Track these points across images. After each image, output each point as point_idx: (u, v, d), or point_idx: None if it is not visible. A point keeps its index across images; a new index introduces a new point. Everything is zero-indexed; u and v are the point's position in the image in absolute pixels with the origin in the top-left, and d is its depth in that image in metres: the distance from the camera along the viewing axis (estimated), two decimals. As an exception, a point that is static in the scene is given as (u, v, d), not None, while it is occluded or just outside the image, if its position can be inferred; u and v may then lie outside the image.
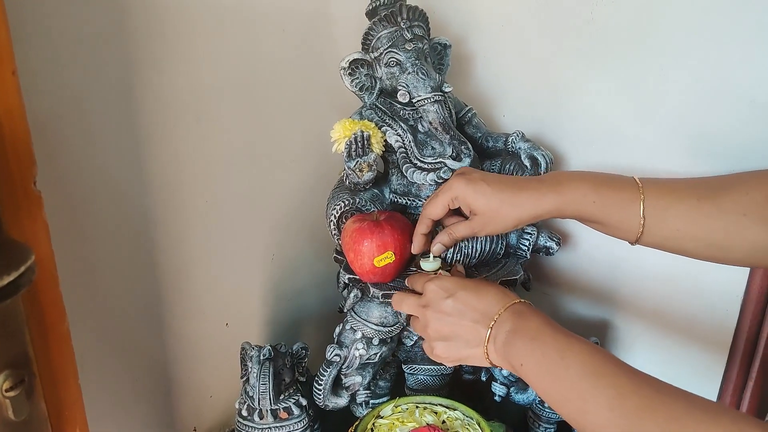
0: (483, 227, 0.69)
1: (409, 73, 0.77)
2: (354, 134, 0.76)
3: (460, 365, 0.94)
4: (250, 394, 0.79)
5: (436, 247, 0.73)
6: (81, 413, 0.49)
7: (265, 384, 0.77)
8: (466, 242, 0.80)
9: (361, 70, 0.80)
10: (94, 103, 0.65)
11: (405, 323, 0.80)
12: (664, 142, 0.81)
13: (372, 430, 0.74)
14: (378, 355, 0.80)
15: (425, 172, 0.79)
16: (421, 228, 0.73)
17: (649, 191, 0.63)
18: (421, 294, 0.68)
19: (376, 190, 0.83)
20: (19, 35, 0.42)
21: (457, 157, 0.78)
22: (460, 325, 0.63)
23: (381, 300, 0.77)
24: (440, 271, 0.74)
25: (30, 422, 0.42)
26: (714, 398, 0.84)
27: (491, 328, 0.60)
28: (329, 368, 0.80)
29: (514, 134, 0.83)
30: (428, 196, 0.81)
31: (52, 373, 0.45)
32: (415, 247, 0.74)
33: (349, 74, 0.80)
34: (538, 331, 0.57)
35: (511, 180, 0.69)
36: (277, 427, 0.79)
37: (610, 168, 0.87)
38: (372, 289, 0.77)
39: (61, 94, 0.62)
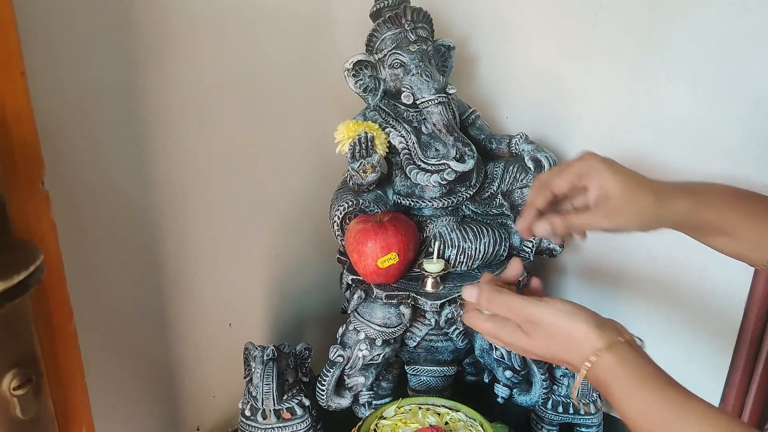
0: (611, 216, 0.56)
1: (413, 74, 0.77)
2: (358, 135, 0.76)
3: (462, 368, 0.95)
4: (254, 394, 0.79)
5: (542, 227, 0.60)
6: (87, 412, 0.49)
7: (268, 384, 0.77)
8: (469, 244, 0.81)
9: (365, 71, 0.80)
10: (99, 104, 0.65)
11: (408, 324, 0.80)
12: (667, 143, 0.81)
13: (375, 430, 0.74)
14: (381, 355, 0.80)
15: (429, 174, 0.79)
16: (539, 200, 0.60)
17: None
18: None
19: (379, 191, 0.83)
20: (26, 37, 0.42)
21: (460, 159, 0.78)
22: (553, 360, 0.57)
23: (384, 301, 0.78)
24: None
25: (37, 421, 0.42)
26: (718, 398, 0.84)
27: (585, 376, 0.53)
28: (332, 369, 0.80)
29: (518, 136, 0.83)
30: (432, 198, 0.82)
31: (58, 372, 0.46)
32: (523, 224, 0.61)
33: (353, 75, 0.80)
34: (634, 398, 0.50)
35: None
36: (280, 427, 0.79)
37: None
38: (375, 290, 0.77)
39: (66, 96, 0.62)
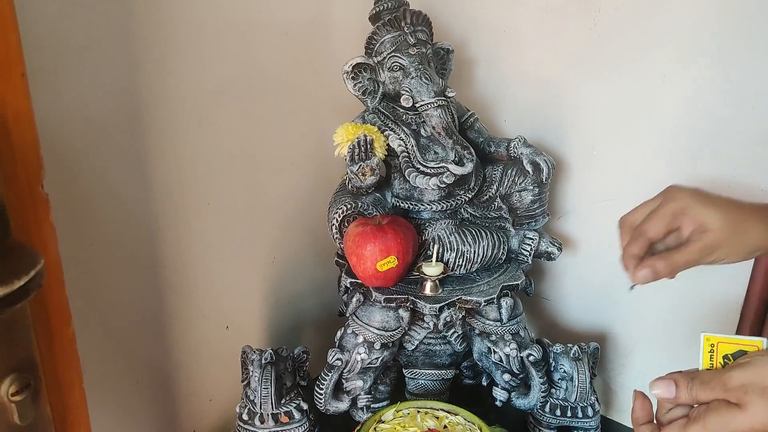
0: (713, 250, 0.53)
1: (412, 77, 0.77)
2: (357, 138, 0.76)
3: (460, 371, 0.94)
4: (251, 398, 0.78)
5: (644, 274, 0.54)
6: (85, 417, 0.49)
7: (266, 388, 0.77)
8: (468, 247, 0.81)
9: (364, 74, 0.80)
10: (99, 107, 0.65)
11: (406, 328, 0.80)
12: (666, 147, 0.81)
13: (373, 434, 0.74)
14: (379, 359, 0.80)
15: (428, 177, 0.79)
16: (635, 248, 0.56)
17: None
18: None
19: (378, 194, 0.83)
20: (27, 38, 0.41)
21: (459, 162, 0.78)
22: None
23: (383, 304, 0.77)
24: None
25: (35, 426, 0.41)
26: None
27: None
28: (331, 372, 0.79)
29: (516, 139, 0.83)
30: (431, 201, 0.81)
31: (57, 377, 0.45)
32: (637, 275, 0.55)
33: (352, 78, 0.80)
34: None
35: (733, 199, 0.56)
36: (277, 431, 0.79)
37: (612, 172, 0.87)
38: (374, 294, 0.77)
39: (67, 98, 0.61)
